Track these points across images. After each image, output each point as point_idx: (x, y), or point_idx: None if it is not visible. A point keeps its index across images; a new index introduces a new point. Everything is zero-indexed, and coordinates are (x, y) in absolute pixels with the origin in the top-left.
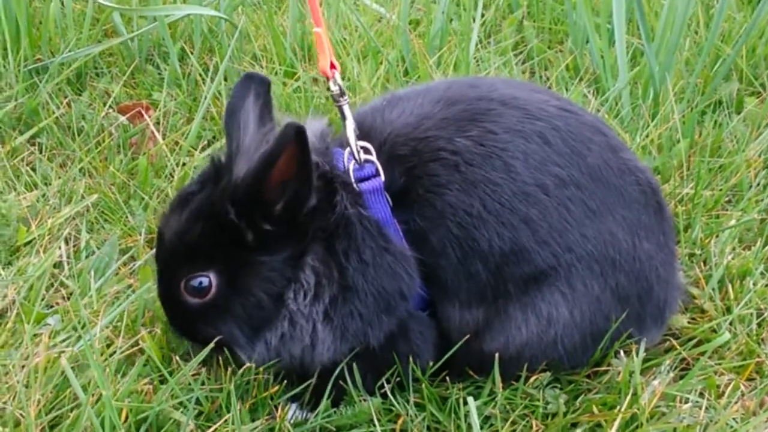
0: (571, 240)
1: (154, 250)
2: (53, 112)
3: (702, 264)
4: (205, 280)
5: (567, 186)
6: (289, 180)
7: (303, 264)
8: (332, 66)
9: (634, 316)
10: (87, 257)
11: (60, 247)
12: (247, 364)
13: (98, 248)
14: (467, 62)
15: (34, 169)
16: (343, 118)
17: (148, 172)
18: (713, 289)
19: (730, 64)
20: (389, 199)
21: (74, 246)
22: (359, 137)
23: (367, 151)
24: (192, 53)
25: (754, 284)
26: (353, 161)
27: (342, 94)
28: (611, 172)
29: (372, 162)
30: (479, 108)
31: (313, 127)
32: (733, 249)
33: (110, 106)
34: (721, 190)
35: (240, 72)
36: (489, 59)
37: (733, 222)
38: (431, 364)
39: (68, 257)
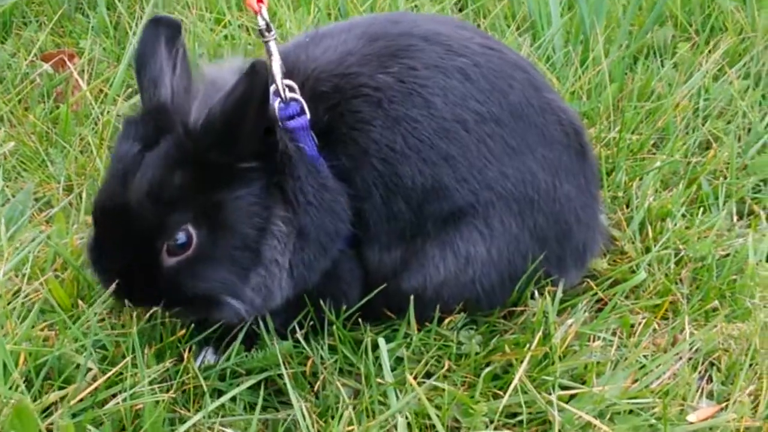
0: (490, 177)
1: (94, 234)
2: None
3: (624, 207)
4: (182, 236)
5: (486, 122)
6: (258, 115)
7: (273, 214)
8: (259, 0)
9: (553, 258)
10: (2, 205)
11: None
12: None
13: (14, 196)
14: (397, 9)
15: None
16: (269, 54)
17: (69, 120)
18: (634, 231)
19: (661, 9)
20: (314, 138)
21: None
22: (283, 75)
23: (291, 89)
24: (121, 1)
25: (675, 225)
26: (278, 99)
27: (269, 29)
28: (533, 110)
29: (297, 100)
30: (401, 44)
31: (233, 65)
32: (656, 191)
33: (35, 55)
34: (647, 134)
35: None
36: (424, 6)
37: (657, 164)
38: (344, 307)
39: None
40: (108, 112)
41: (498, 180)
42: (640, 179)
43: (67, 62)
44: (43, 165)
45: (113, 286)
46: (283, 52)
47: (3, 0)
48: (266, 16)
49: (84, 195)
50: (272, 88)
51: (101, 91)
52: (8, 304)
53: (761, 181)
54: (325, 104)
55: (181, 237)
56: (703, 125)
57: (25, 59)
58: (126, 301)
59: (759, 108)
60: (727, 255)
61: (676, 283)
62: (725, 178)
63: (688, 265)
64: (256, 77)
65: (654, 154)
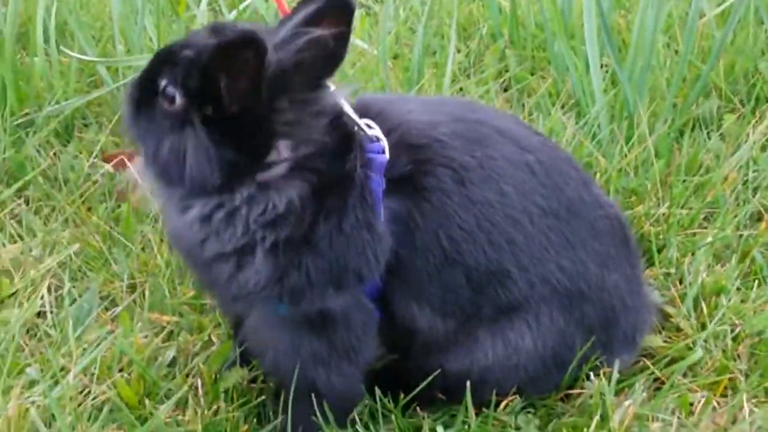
0: (548, 269)
1: None
2: (40, 165)
3: (678, 283)
4: (172, 91)
5: (548, 216)
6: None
7: (277, 186)
8: None
9: (600, 343)
10: (70, 305)
11: (42, 297)
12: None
13: (80, 296)
14: (442, 93)
15: (20, 222)
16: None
17: (130, 219)
18: (688, 308)
19: (705, 81)
20: (383, 182)
21: (57, 295)
22: (369, 117)
23: (371, 128)
24: None
25: (730, 300)
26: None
27: None
28: (584, 205)
29: (380, 140)
30: (481, 132)
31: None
32: (709, 266)
33: (95, 156)
34: (697, 208)
35: None
36: (470, 89)
37: (709, 239)
38: (402, 396)
39: (51, 307)
40: None
41: (554, 272)
42: (692, 254)
43: (127, 162)
44: (107, 264)
45: None
46: (368, 99)
47: (64, 105)
48: None
49: (147, 293)
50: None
51: None
52: (79, 405)
53: None
54: (411, 156)
55: (171, 90)
56: (753, 197)
57: (87, 161)
58: None
59: None
60: None
61: (734, 360)
62: None
63: (746, 340)
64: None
65: (705, 228)
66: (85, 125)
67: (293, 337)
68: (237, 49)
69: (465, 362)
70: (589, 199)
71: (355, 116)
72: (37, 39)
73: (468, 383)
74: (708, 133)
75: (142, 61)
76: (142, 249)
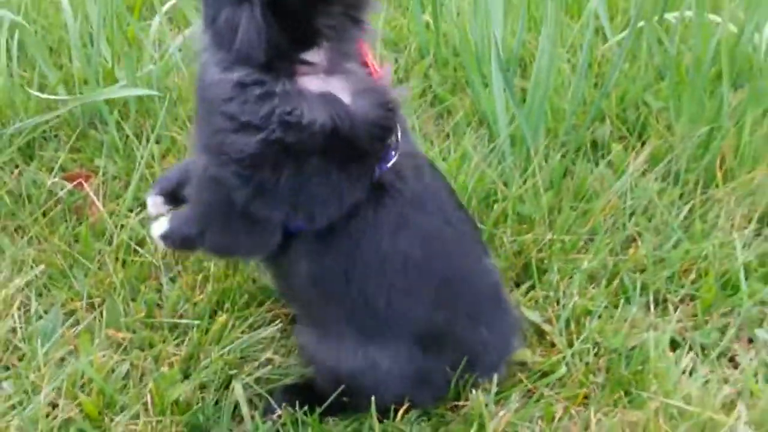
0: (419, 313)
1: None
2: (5, 183)
3: (555, 304)
4: None
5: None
6: None
7: (311, 102)
8: None
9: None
10: (37, 320)
11: (13, 315)
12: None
13: (46, 312)
14: None
15: None
16: None
17: (88, 240)
18: (560, 329)
19: (597, 108)
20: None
21: (26, 311)
22: None
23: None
24: (128, 119)
25: (597, 319)
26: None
27: None
28: (474, 271)
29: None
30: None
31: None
32: (583, 289)
33: (56, 174)
34: (578, 235)
35: (171, 136)
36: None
37: (585, 264)
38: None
39: (21, 322)
40: (122, 227)
41: (425, 318)
42: (570, 278)
43: (84, 184)
44: (69, 282)
45: None
46: None
47: (27, 123)
48: None
49: (104, 312)
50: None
51: (116, 204)
52: (47, 416)
53: (673, 273)
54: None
55: None
56: (629, 220)
57: (47, 180)
58: None
59: (676, 206)
60: (635, 347)
61: (593, 374)
62: (643, 272)
63: (604, 356)
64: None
65: (585, 252)
66: (45, 139)
67: (205, 191)
68: None
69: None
70: (478, 268)
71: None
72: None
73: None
74: (597, 161)
75: (97, 95)
76: (99, 267)
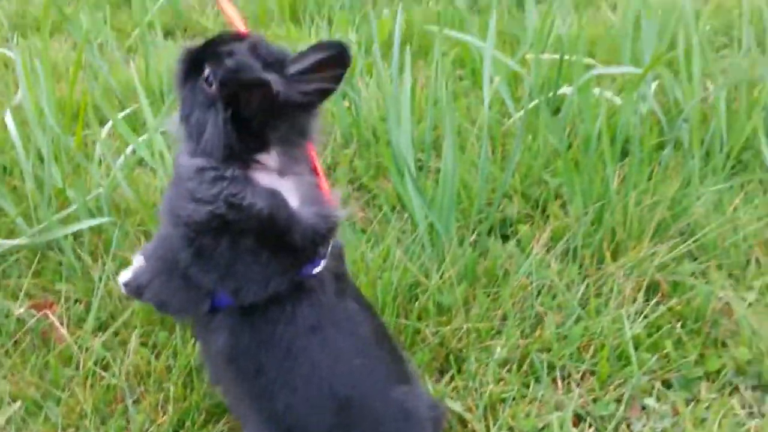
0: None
1: None
2: None
3: (474, 392)
4: (211, 80)
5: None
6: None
7: (256, 190)
8: None
9: None
10: None
11: None
12: None
13: None
14: None
15: None
16: None
17: (57, 369)
18: (478, 416)
19: (504, 187)
20: None
21: None
22: None
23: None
24: (82, 244)
25: (512, 402)
26: None
27: None
28: (380, 400)
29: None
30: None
31: None
32: (498, 374)
33: (21, 303)
34: (491, 323)
35: (124, 256)
36: None
37: (498, 350)
38: None
39: None
40: (86, 350)
41: None
42: (486, 365)
43: (49, 313)
44: (43, 412)
45: None
46: None
47: None
48: None
49: None
50: None
51: (80, 327)
52: None
53: (576, 349)
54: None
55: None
56: (536, 300)
57: (14, 311)
58: None
59: (576, 283)
60: (544, 427)
61: None
62: (549, 351)
63: None
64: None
65: (499, 335)
66: (7, 265)
67: (160, 247)
68: (253, 86)
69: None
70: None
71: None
72: None
73: None
74: (511, 232)
75: (55, 232)
76: (70, 395)
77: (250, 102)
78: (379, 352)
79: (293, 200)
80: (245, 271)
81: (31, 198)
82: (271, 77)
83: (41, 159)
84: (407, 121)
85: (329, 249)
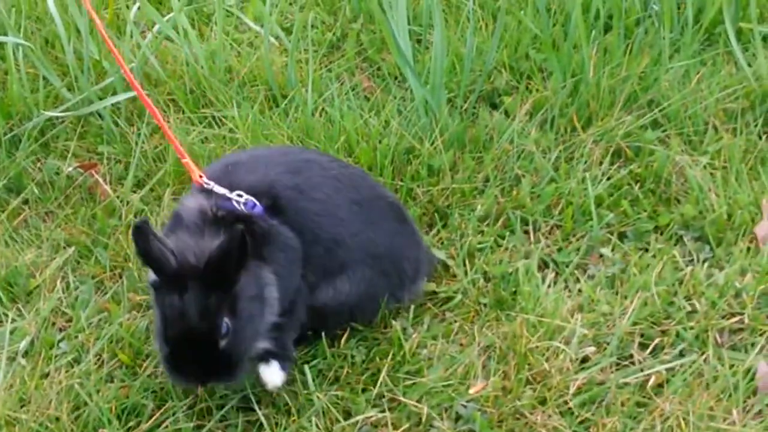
0: (362, 239)
1: (174, 354)
2: (31, 175)
3: (456, 242)
4: (225, 326)
5: (354, 206)
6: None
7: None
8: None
9: (396, 284)
10: (75, 290)
11: (58, 288)
12: None
13: (81, 283)
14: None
15: (27, 224)
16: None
17: (104, 220)
18: (458, 263)
19: (493, 59)
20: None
21: (66, 284)
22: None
23: (240, 194)
24: (119, 117)
25: (490, 252)
26: (241, 204)
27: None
28: (375, 198)
29: (249, 198)
30: (297, 165)
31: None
32: (478, 228)
33: (69, 162)
34: (474, 183)
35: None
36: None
37: (478, 208)
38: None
39: (65, 293)
40: (128, 203)
41: (364, 241)
42: (468, 220)
43: (94, 173)
44: (94, 256)
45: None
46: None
47: (41, 118)
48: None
49: (125, 280)
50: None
51: (121, 184)
52: (97, 367)
53: (546, 207)
54: (269, 199)
55: (224, 328)
56: (516, 163)
57: (64, 169)
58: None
59: (551, 149)
60: (512, 272)
61: (484, 296)
62: (524, 208)
63: (491, 282)
64: (234, 237)
65: (482, 193)
66: (53, 125)
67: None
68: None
69: (318, 299)
70: (376, 194)
71: (235, 195)
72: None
73: (323, 333)
74: (499, 102)
75: (97, 106)
76: (115, 242)
77: None
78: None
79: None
80: None
81: (72, 69)
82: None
83: (79, 33)
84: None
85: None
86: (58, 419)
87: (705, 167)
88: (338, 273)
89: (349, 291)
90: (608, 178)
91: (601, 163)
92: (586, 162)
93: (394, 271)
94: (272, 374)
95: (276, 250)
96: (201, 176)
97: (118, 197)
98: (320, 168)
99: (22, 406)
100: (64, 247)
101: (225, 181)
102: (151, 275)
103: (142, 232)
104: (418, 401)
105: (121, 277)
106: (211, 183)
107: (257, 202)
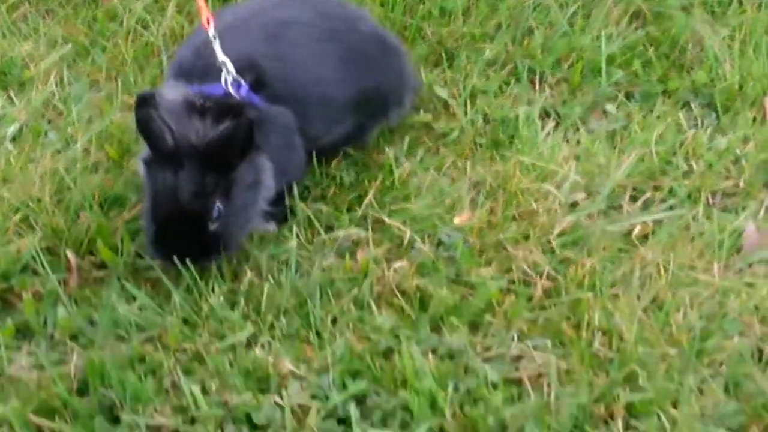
0: (351, 92)
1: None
2: None
3: (460, 83)
4: (216, 210)
5: (340, 60)
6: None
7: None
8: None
9: (384, 103)
10: (69, 84)
11: (51, 82)
12: None
13: (75, 80)
14: None
15: (27, 23)
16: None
17: (104, 22)
18: (460, 101)
19: None
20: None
21: (60, 79)
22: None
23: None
24: None
25: (493, 97)
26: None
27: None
28: (355, 40)
29: (237, 79)
30: (274, 29)
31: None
32: (484, 72)
33: None
34: (485, 28)
35: None
36: None
37: (486, 53)
38: None
39: (58, 88)
40: (130, 11)
41: (354, 94)
42: (475, 63)
43: None
44: (90, 56)
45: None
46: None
47: None
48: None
49: (120, 82)
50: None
51: None
52: (83, 158)
53: (556, 59)
54: (251, 75)
55: (216, 211)
56: (531, 14)
57: None
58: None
59: (568, 5)
60: (513, 117)
61: (481, 136)
62: (533, 58)
63: (490, 125)
64: (241, 125)
65: (492, 41)
66: None
67: None
68: None
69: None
70: (354, 29)
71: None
72: None
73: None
74: None
75: None
76: (114, 46)
77: None
78: None
79: None
80: None
81: None
82: None
83: None
84: None
85: None
86: (39, 200)
87: (724, 38)
88: (332, 125)
89: (341, 132)
90: (623, 38)
91: (618, 23)
92: (603, 20)
93: (383, 92)
94: (266, 225)
95: (270, 133)
96: (208, 21)
97: (121, 3)
98: (298, 27)
99: (5, 184)
100: (62, 44)
101: (200, 64)
102: (144, 152)
103: (146, 103)
104: (402, 224)
105: (116, 80)
106: (216, 38)
107: (242, 81)
